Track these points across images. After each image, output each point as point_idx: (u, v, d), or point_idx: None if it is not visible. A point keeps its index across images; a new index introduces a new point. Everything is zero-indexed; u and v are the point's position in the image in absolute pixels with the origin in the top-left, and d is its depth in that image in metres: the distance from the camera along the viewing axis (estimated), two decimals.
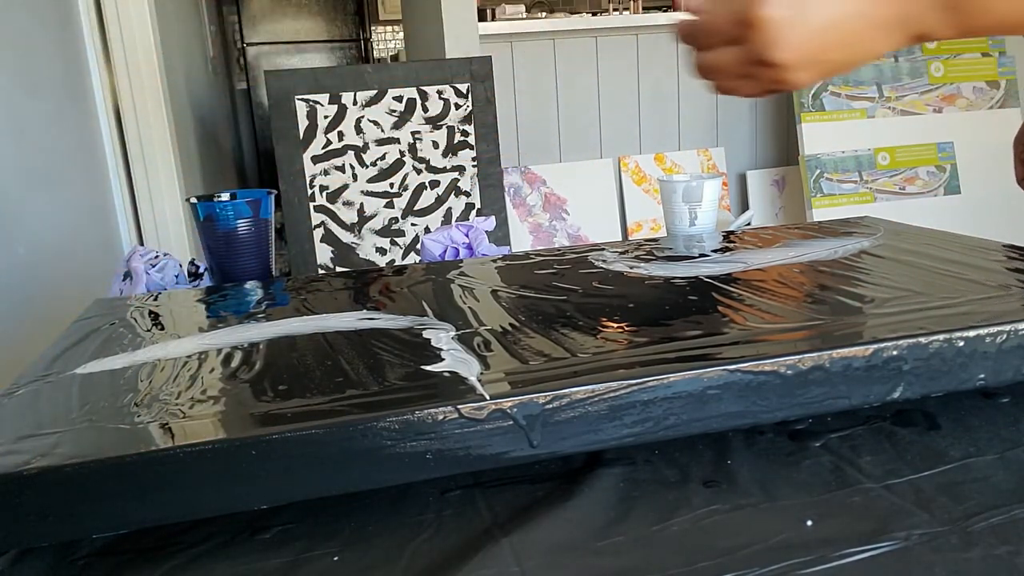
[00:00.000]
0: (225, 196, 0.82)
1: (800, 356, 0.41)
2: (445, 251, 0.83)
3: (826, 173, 2.20)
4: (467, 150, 1.59)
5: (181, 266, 0.83)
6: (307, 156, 1.50)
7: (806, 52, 0.43)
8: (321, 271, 1.51)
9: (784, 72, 0.44)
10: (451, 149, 1.57)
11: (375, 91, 1.53)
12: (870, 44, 0.44)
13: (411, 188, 1.56)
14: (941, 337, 0.43)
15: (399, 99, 1.55)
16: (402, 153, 1.55)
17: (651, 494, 0.39)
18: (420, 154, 1.56)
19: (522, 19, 2.55)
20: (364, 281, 0.68)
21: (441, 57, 2.04)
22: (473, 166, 1.59)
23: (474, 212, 1.59)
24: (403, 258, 1.56)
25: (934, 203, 2.25)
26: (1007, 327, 0.44)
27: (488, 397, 0.38)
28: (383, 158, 1.54)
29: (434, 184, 1.57)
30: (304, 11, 4.93)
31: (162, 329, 0.57)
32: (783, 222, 2.40)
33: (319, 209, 1.52)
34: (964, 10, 0.42)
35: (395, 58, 5.05)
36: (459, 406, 0.38)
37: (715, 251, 0.70)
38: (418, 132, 1.55)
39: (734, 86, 0.47)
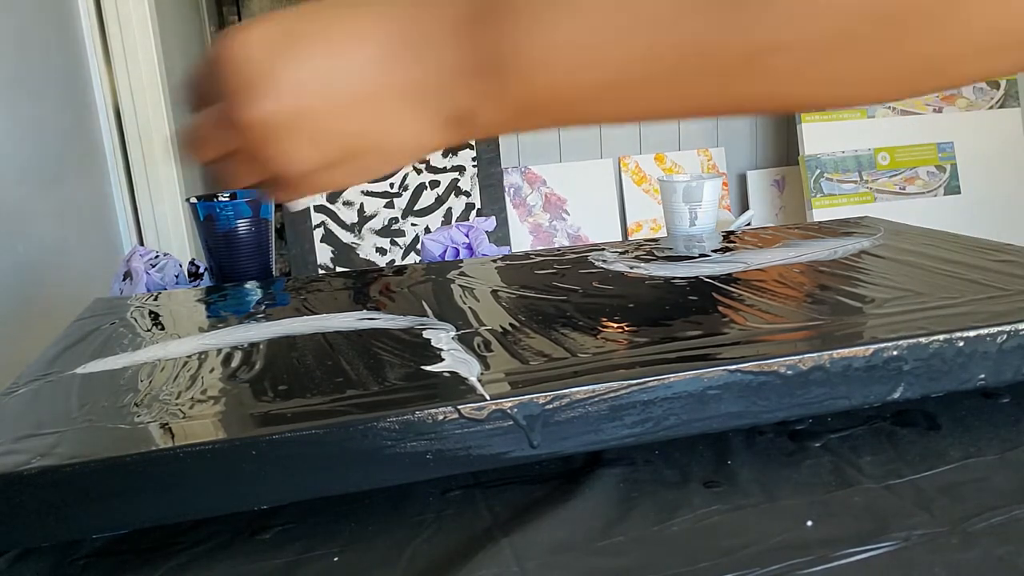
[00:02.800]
0: (225, 196, 0.82)
1: (800, 356, 0.41)
2: (445, 251, 0.83)
3: (826, 173, 2.20)
4: (467, 150, 1.58)
5: (181, 266, 0.83)
6: None
7: (292, 111, 0.32)
8: (321, 271, 1.51)
9: (269, 140, 0.32)
10: (451, 149, 1.57)
11: None
12: (387, 121, 0.32)
13: (411, 188, 1.56)
14: (941, 337, 0.43)
15: None
16: None
17: (651, 494, 0.39)
18: None
19: None
20: (364, 281, 0.68)
21: None
22: (473, 166, 1.59)
23: (474, 212, 1.59)
24: (403, 258, 1.56)
25: (934, 203, 2.25)
26: (1007, 327, 0.44)
27: (488, 397, 0.38)
28: None
29: (434, 184, 1.57)
30: None
31: (162, 329, 0.57)
32: (783, 222, 2.40)
33: (319, 209, 1.52)
34: (507, 70, 0.30)
35: None
36: (459, 406, 0.38)
37: (715, 251, 0.70)
38: None
39: (225, 170, 0.35)
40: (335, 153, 0.33)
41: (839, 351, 0.42)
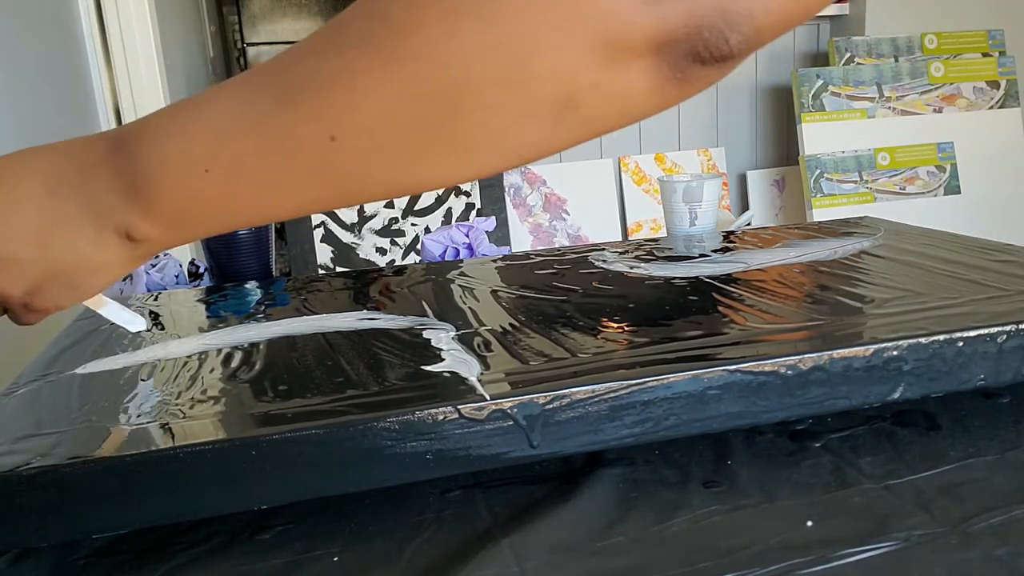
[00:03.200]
0: None
1: (800, 356, 0.41)
2: (445, 251, 0.83)
3: (826, 173, 2.20)
4: None
5: (181, 266, 0.83)
6: None
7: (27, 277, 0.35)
8: (321, 271, 1.51)
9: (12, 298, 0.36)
10: None
11: None
12: (63, 244, 0.35)
13: None
14: (941, 337, 0.43)
15: None
16: None
17: (651, 494, 0.39)
18: None
19: None
20: (364, 281, 0.68)
21: None
22: None
23: (474, 212, 1.59)
24: (403, 258, 1.56)
25: (934, 203, 2.25)
26: (1007, 327, 0.44)
27: (488, 397, 0.38)
28: None
29: None
30: (304, 11, 4.93)
31: (162, 329, 0.57)
32: (783, 222, 2.40)
33: None
34: (139, 186, 0.33)
35: None
36: (459, 406, 0.38)
37: (715, 251, 0.70)
38: None
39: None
40: (31, 279, 0.36)
41: (839, 351, 0.42)
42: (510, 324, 0.51)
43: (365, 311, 0.57)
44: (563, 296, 0.58)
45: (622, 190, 2.34)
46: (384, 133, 0.30)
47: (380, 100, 0.30)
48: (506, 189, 2.16)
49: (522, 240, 2.24)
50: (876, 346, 0.42)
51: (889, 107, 2.25)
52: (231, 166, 0.32)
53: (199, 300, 0.67)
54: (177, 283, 0.81)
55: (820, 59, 2.42)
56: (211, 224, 0.35)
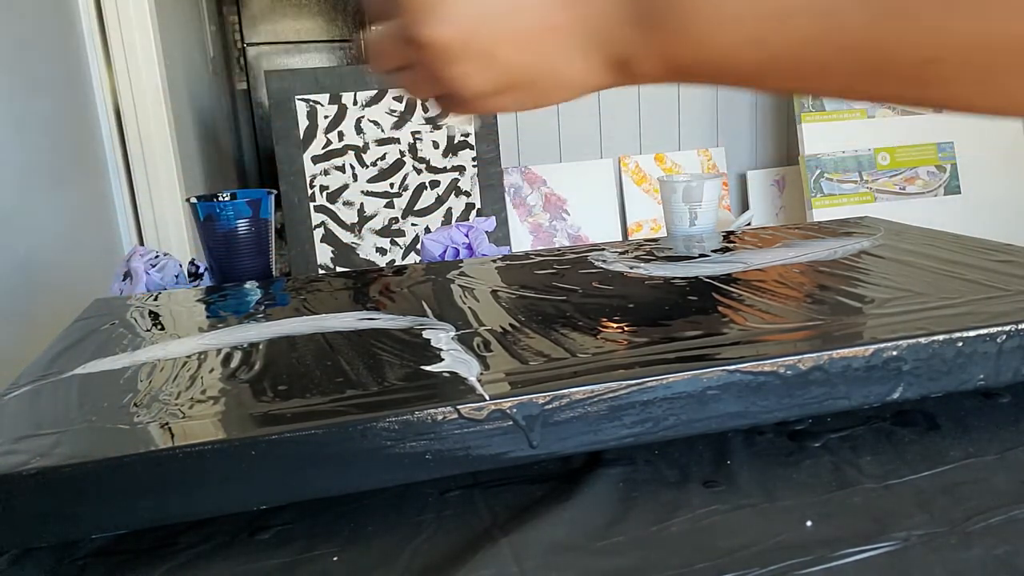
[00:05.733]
0: (225, 196, 0.82)
1: (800, 356, 0.41)
2: (445, 251, 0.83)
3: (826, 173, 2.20)
4: (467, 150, 1.58)
5: (181, 266, 0.83)
6: (307, 156, 1.50)
7: (469, 36, 0.34)
8: (321, 271, 1.51)
9: (445, 61, 0.35)
10: (451, 149, 1.57)
11: (375, 91, 1.53)
12: (557, 56, 0.35)
13: (411, 188, 1.56)
14: (941, 337, 0.43)
15: (399, 99, 1.55)
16: (402, 153, 1.55)
17: (651, 494, 0.39)
18: (420, 154, 1.56)
19: None
20: (364, 281, 0.68)
21: None
22: (473, 166, 1.59)
23: (474, 212, 1.59)
24: (403, 258, 1.56)
25: (934, 203, 2.25)
26: (1007, 327, 0.44)
27: (488, 397, 0.38)
28: (383, 158, 1.54)
29: (434, 184, 1.57)
30: (304, 11, 4.92)
31: (162, 329, 0.57)
32: (783, 222, 2.40)
33: (319, 209, 1.52)
34: (666, 28, 0.32)
35: None
36: (459, 406, 0.38)
37: (715, 251, 0.70)
38: (418, 132, 1.55)
39: (402, 80, 0.39)
40: (504, 81, 0.36)
41: (839, 351, 0.42)
42: (510, 324, 0.51)
43: (365, 311, 0.57)
44: (563, 296, 0.58)
45: (622, 190, 2.34)
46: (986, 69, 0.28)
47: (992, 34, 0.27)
48: (506, 189, 2.16)
49: (522, 240, 2.24)
50: (876, 346, 0.42)
51: (889, 107, 2.25)
52: (780, 50, 0.30)
53: (199, 300, 0.67)
54: (177, 283, 0.81)
55: None
56: (712, 81, 0.34)
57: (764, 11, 0.30)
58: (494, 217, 0.89)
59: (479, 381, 0.41)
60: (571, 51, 0.34)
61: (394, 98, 1.53)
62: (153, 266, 0.80)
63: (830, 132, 2.22)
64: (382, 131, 1.53)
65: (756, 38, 0.30)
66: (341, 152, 1.50)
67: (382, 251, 1.54)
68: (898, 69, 0.29)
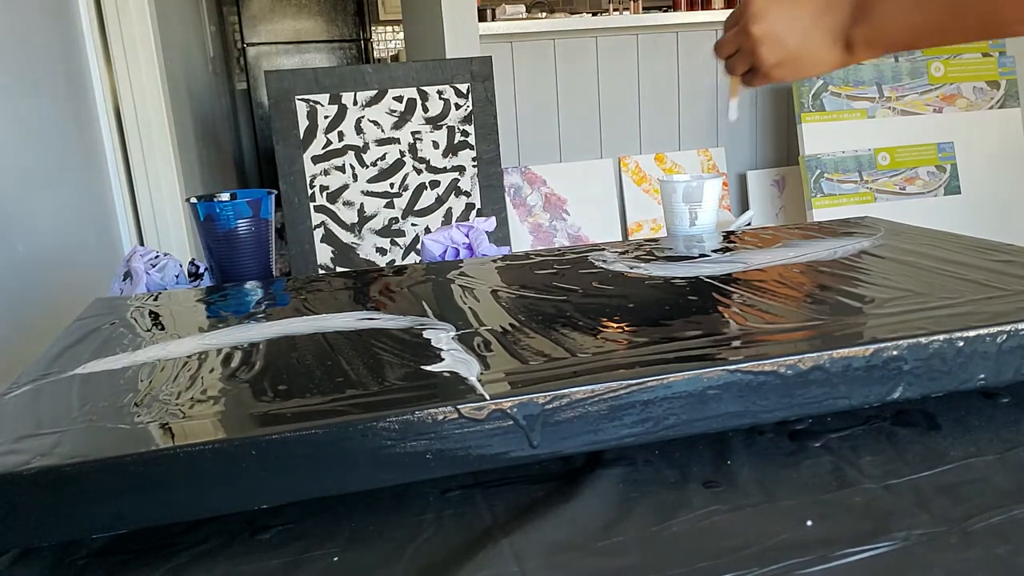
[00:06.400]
0: (225, 196, 0.82)
1: (800, 356, 0.41)
2: (445, 251, 0.83)
3: (826, 173, 2.20)
4: (467, 150, 1.59)
5: (181, 266, 0.83)
6: (307, 156, 1.51)
7: (772, 31, 0.63)
8: (321, 271, 1.51)
9: (757, 44, 0.63)
10: (451, 149, 1.57)
11: (375, 91, 1.53)
12: (817, 44, 0.62)
13: (411, 188, 1.56)
14: (941, 337, 0.43)
15: (399, 99, 1.55)
16: (402, 153, 1.55)
17: (651, 494, 0.39)
18: (420, 154, 1.56)
19: (522, 19, 2.55)
20: (364, 281, 0.68)
21: (441, 57, 2.04)
22: (473, 166, 1.59)
23: (474, 212, 1.59)
24: (403, 258, 1.56)
25: (934, 203, 2.25)
26: (1007, 327, 0.44)
27: (488, 397, 0.38)
28: (383, 158, 1.54)
29: (434, 184, 1.57)
30: (304, 11, 4.92)
31: (162, 329, 0.57)
32: (783, 222, 2.40)
33: (319, 209, 1.52)
34: (868, 22, 0.60)
35: (395, 58, 5.05)
36: (459, 406, 0.38)
37: (715, 251, 0.70)
38: (418, 132, 1.55)
39: (731, 64, 0.67)
40: (785, 57, 0.63)
41: (839, 351, 0.42)
42: (510, 324, 0.51)
43: (365, 311, 0.57)
44: (563, 296, 0.58)
45: (622, 190, 2.34)
46: None
47: None
48: (506, 189, 2.17)
49: (522, 240, 2.24)
50: (876, 346, 0.42)
51: (889, 107, 2.25)
52: (931, 24, 0.58)
53: (199, 300, 0.67)
54: (177, 283, 0.81)
55: None
56: (893, 50, 0.65)
57: (914, 6, 0.58)
58: (494, 217, 0.89)
59: (479, 381, 0.41)
60: (824, 41, 0.62)
61: (394, 98, 1.53)
62: (153, 266, 0.80)
63: (830, 132, 2.22)
64: (382, 131, 1.53)
65: (917, 23, 0.58)
66: (341, 152, 1.50)
67: (382, 251, 1.54)
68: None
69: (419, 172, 1.54)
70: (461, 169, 1.56)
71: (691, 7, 2.79)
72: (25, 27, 1.18)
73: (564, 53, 2.28)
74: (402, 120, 1.54)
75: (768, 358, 0.41)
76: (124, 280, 0.79)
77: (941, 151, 2.26)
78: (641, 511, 0.37)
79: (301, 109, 1.48)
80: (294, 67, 2.19)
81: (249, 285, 0.72)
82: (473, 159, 1.56)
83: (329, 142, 1.50)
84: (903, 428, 0.44)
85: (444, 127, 1.56)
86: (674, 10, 2.67)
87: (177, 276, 0.81)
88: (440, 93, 1.55)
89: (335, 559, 0.35)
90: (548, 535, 0.35)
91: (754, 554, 0.33)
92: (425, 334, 0.50)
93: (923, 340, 0.43)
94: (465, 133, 1.56)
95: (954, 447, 0.42)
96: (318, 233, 1.49)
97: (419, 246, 0.82)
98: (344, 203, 1.52)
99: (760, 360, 0.41)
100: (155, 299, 0.67)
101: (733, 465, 0.41)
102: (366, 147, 1.53)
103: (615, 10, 3.21)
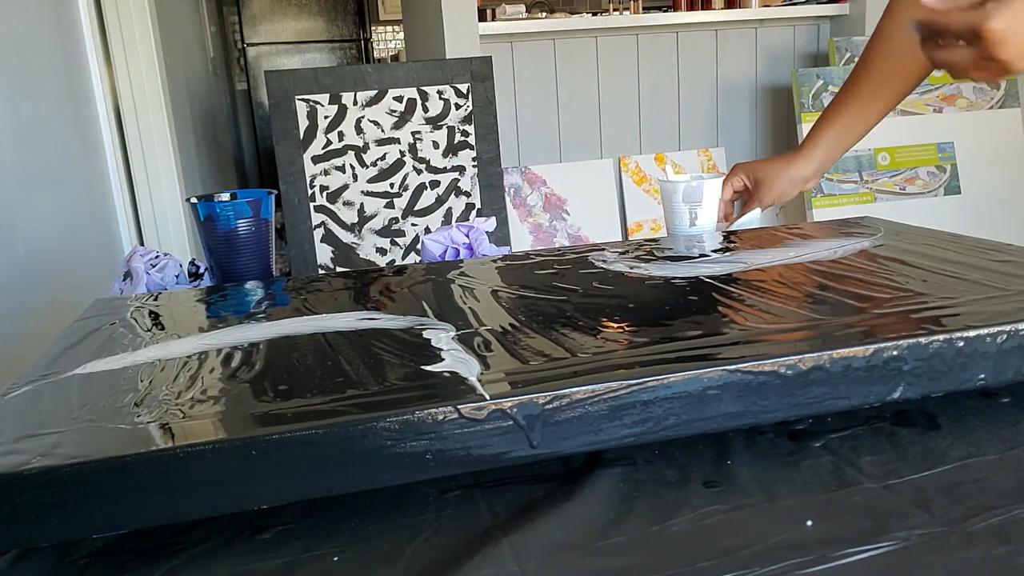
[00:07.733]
0: (225, 196, 0.82)
1: (800, 356, 0.41)
2: (445, 251, 0.83)
3: (826, 173, 2.20)
4: (467, 150, 1.59)
5: (181, 266, 0.83)
6: (307, 156, 1.51)
7: (1010, 28, 0.61)
8: (321, 271, 1.51)
9: (1008, 64, 0.62)
10: (451, 149, 1.57)
11: (375, 91, 1.53)
12: None
13: (411, 188, 1.56)
14: (941, 337, 0.43)
15: (399, 99, 1.55)
16: (402, 153, 1.55)
17: (651, 494, 0.39)
18: (420, 154, 1.56)
19: (522, 19, 2.55)
20: (364, 281, 0.68)
21: (441, 57, 2.04)
22: (473, 166, 1.59)
23: (474, 212, 1.59)
24: (403, 258, 1.56)
25: (934, 203, 2.25)
26: (1007, 327, 0.44)
27: (488, 397, 0.38)
28: (383, 158, 1.54)
29: (434, 184, 1.57)
30: (304, 11, 4.93)
31: (162, 329, 0.57)
32: (783, 222, 2.40)
33: (319, 209, 1.52)
34: None
35: (395, 58, 5.05)
36: (459, 406, 0.38)
37: (715, 251, 0.70)
38: (418, 132, 1.55)
39: (967, 75, 0.65)
40: (1016, 53, 0.60)
41: (839, 351, 0.42)
42: (510, 324, 0.51)
43: (365, 311, 0.57)
44: (563, 296, 0.58)
45: (622, 190, 2.34)
46: None
47: None
48: (506, 189, 2.17)
49: (522, 240, 2.24)
50: (876, 346, 0.42)
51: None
52: None
53: (199, 300, 0.67)
54: (177, 283, 0.81)
55: (820, 59, 2.42)
56: None
57: None
58: (494, 217, 0.89)
59: (479, 381, 0.41)
60: None
61: (394, 98, 1.53)
62: (153, 266, 0.80)
63: None
64: (382, 131, 1.53)
65: None
66: (341, 152, 1.50)
67: (382, 251, 1.54)
68: None
69: (419, 172, 1.54)
70: (461, 169, 1.56)
71: (691, 7, 2.80)
72: (25, 27, 1.18)
73: (564, 53, 2.28)
74: (402, 120, 1.54)
75: (768, 358, 0.41)
76: (124, 280, 0.79)
77: (941, 151, 2.26)
78: (641, 511, 0.37)
79: (301, 109, 1.48)
80: (294, 67, 2.19)
81: (249, 285, 0.72)
82: (473, 159, 1.56)
83: (329, 142, 1.50)
84: (903, 428, 0.44)
85: (444, 127, 1.56)
86: (674, 10, 2.67)
87: (177, 276, 0.81)
88: (440, 93, 1.55)
89: (335, 559, 0.35)
90: (548, 535, 0.35)
91: (754, 554, 0.33)
92: (425, 334, 0.50)
93: (923, 340, 0.43)
94: (465, 133, 1.56)
95: (954, 447, 0.42)
96: (318, 233, 1.49)
97: (419, 246, 0.82)
98: (344, 203, 1.52)
99: (760, 360, 0.41)
100: (155, 299, 0.67)
101: (733, 465, 0.41)
102: (366, 147, 1.53)
103: (615, 10, 3.22)
